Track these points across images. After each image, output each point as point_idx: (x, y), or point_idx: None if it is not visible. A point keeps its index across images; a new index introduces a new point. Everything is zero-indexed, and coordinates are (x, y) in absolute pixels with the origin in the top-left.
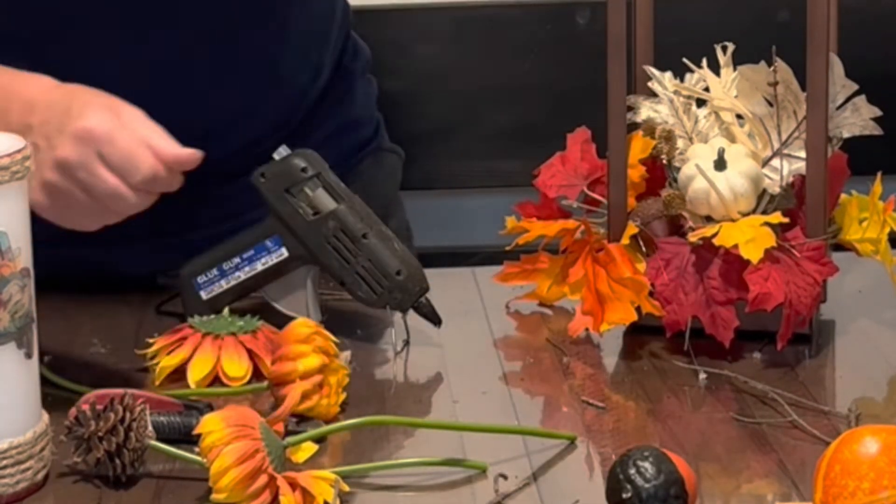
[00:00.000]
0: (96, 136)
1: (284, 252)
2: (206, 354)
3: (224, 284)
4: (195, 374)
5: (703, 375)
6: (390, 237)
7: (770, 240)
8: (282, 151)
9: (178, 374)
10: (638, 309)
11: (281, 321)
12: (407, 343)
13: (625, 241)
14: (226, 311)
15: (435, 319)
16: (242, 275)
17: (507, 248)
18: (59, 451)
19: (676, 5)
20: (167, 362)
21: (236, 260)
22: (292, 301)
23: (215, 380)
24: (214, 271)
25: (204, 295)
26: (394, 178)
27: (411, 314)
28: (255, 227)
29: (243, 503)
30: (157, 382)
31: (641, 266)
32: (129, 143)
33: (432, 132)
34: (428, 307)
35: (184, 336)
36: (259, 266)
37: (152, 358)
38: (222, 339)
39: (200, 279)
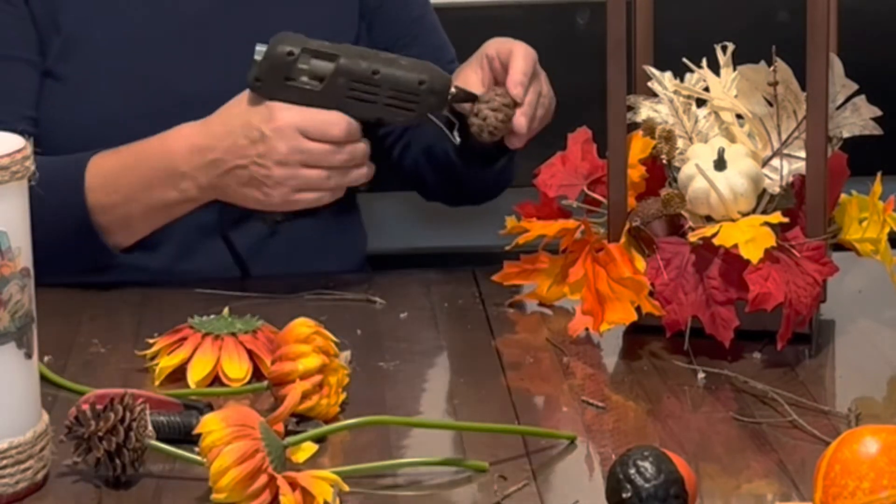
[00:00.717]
0: (288, 124)
1: None
2: (206, 355)
3: None
4: (195, 374)
5: (701, 375)
6: (394, 59)
7: (770, 240)
8: (259, 49)
9: (178, 373)
10: (638, 309)
11: (280, 322)
12: (460, 133)
13: (623, 238)
14: (225, 311)
15: (471, 98)
16: None
17: (507, 248)
18: (59, 451)
19: (676, 5)
20: (167, 363)
21: None
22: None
23: (215, 380)
24: None
25: None
26: None
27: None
28: None
29: (243, 503)
30: (157, 382)
31: (641, 265)
32: (312, 118)
33: None
34: (461, 93)
35: (184, 336)
36: None
37: (152, 358)
38: (222, 339)
39: None
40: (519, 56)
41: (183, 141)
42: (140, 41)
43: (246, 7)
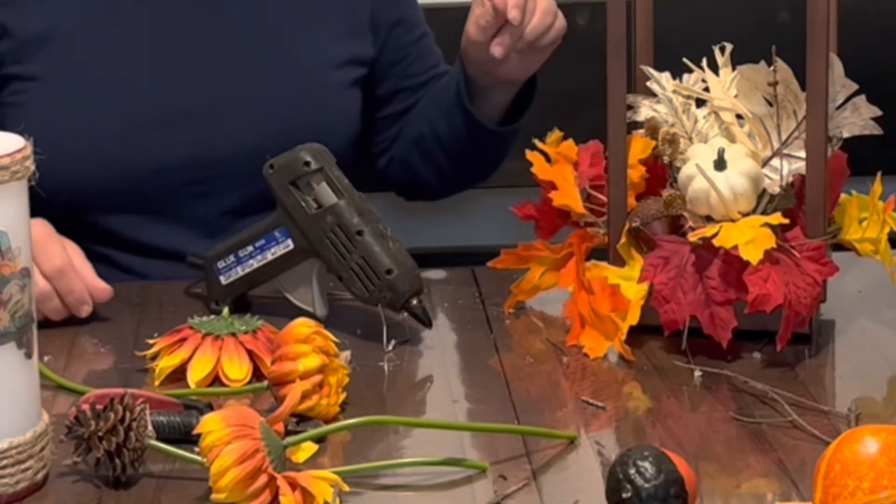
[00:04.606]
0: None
1: (290, 243)
2: (206, 355)
3: (240, 271)
4: (195, 374)
5: (697, 373)
6: (387, 236)
7: (770, 241)
8: (299, 149)
9: (179, 373)
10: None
11: (279, 323)
12: (405, 342)
13: (623, 238)
14: (225, 311)
15: (425, 321)
16: (255, 263)
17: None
18: (58, 451)
19: (676, 5)
20: (167, 363)
21: (250, 248)
22: (301, 293)
23: (215, 380)
24: (232, 258)
25: (223, 280)
26: None
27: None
28: (267, 217)
29: (243, 503)
30: (157, 383)
31: (636, 270)
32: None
33: None
34: (419, 308)
35: (184, 337)
36: (269, 256)
37: (153, 359)
38: (222, 339)
39: (220, 264)
40: None
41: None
42: (120, 49)
43: (233, 26)
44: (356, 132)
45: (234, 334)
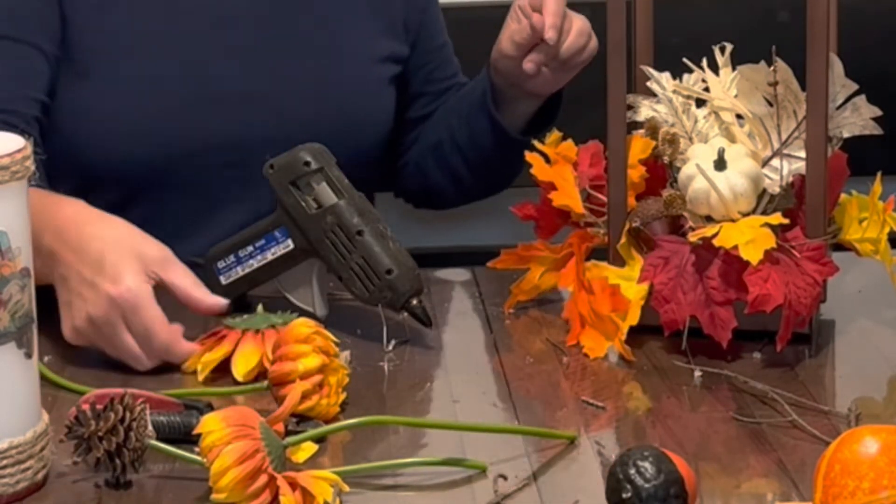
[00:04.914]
0: (124, 302)
1: (290, 243)
2: (249, 348)
3: (240, 271)
4: (241, 367)
5: (697, 373)
6: (387, 236)
7: (770, 241)
8: (298, 148)
9: (219, 371)
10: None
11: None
12: (405, 342)
13: (623, 238)
14: (259, 307)
15: (425, 321)
16: (255, 263)
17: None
18: (58, 451)
19: (676, 5)
20: (210, 357)
21: (250, 248)
22: (301, 293)
23: (260, 374)
24: (232, 258)
25: (223, 280)
26: None
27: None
28: (268, 217)
29: (243, 503)
30: (202, 378)
31: (636, 270)
32: (151, 317)
33: None
34: (419, 308)
35: (223, 335)
36: (269, 256)
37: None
38: (263, 333)
39: (220, 264)
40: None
41: (64, 213)
42: (174, 38)
43: (282, 14)
44: (388, 131)
45: (273, 327)
